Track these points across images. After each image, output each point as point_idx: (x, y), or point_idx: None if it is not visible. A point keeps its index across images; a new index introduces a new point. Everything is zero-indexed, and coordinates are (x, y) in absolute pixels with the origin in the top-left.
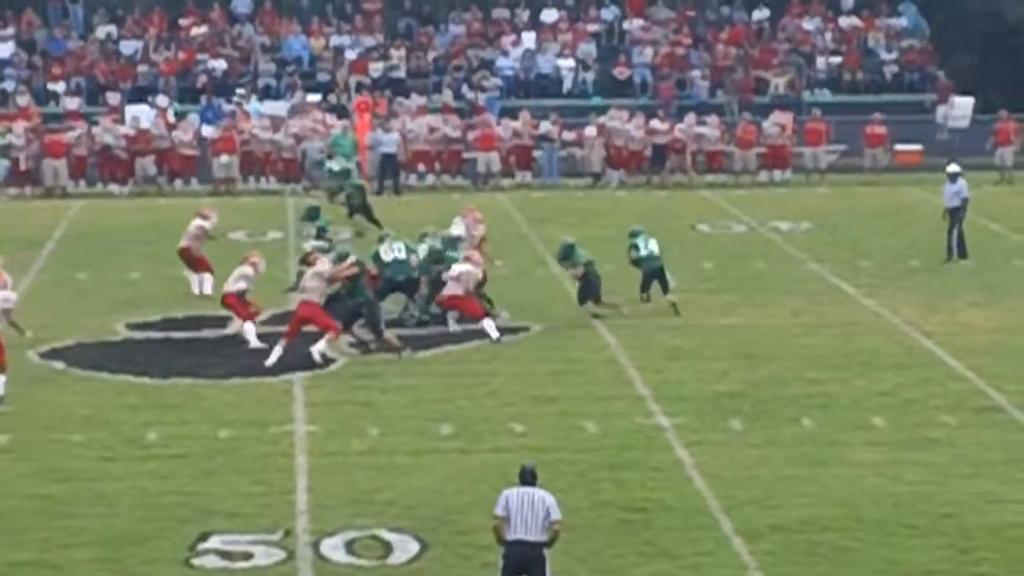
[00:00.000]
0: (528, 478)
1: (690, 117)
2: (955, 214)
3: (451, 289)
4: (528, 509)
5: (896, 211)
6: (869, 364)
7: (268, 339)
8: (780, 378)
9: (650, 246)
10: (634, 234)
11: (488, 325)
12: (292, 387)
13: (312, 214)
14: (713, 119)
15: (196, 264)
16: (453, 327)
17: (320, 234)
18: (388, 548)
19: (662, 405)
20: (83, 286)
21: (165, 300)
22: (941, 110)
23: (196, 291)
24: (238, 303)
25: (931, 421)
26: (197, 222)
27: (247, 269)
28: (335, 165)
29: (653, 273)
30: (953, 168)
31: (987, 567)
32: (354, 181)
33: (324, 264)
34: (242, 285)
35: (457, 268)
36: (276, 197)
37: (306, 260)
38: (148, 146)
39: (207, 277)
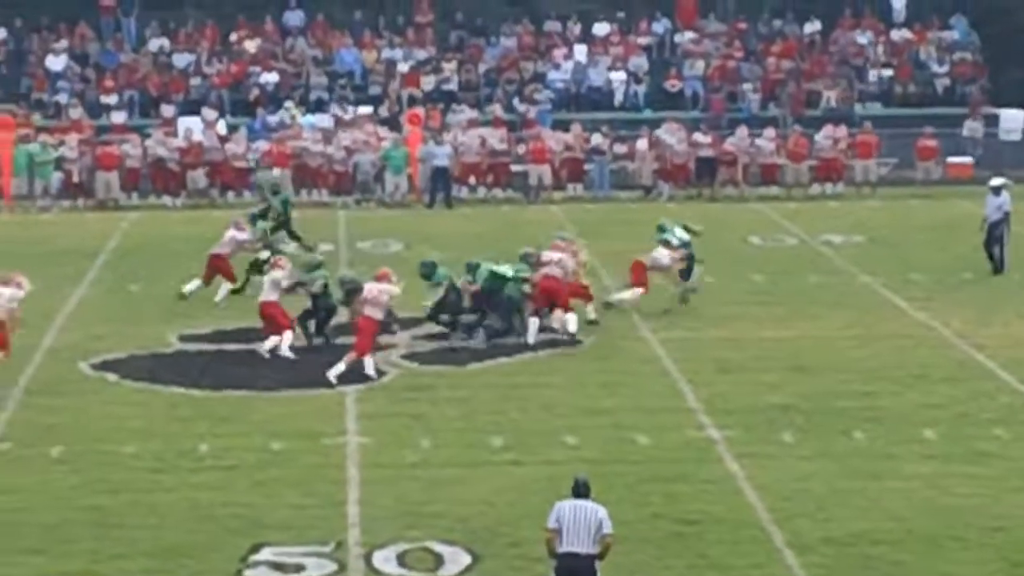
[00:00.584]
0: (581, 490)
1: (742, 130)
2: (996, 227)
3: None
4: (580, 522)
5: (948, 224)
6: (921, 377)
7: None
8: (831, 391)
9: (678, 234)
10: (661, 228)
11: (571, 319)
12: (344, 399)
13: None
14: (769, 131)
15: (223, 272)
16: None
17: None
18: (439, 560)
19: (713, 418)
20: (135, 298)
21: (217, 312)
22: (968, 125)
23: (188, 289)
24: (279, 311)
25: (983, 434)
26: (232, 232)
27: (277, 273)
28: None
29: (692, 259)
30: (996, 181)
31: None
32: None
33: (282, 271)
34: (274, 295)
35: (547, 255)
36: (327, 210)
37: (269, 263)
38: (200, 159)
39: (225, 286)
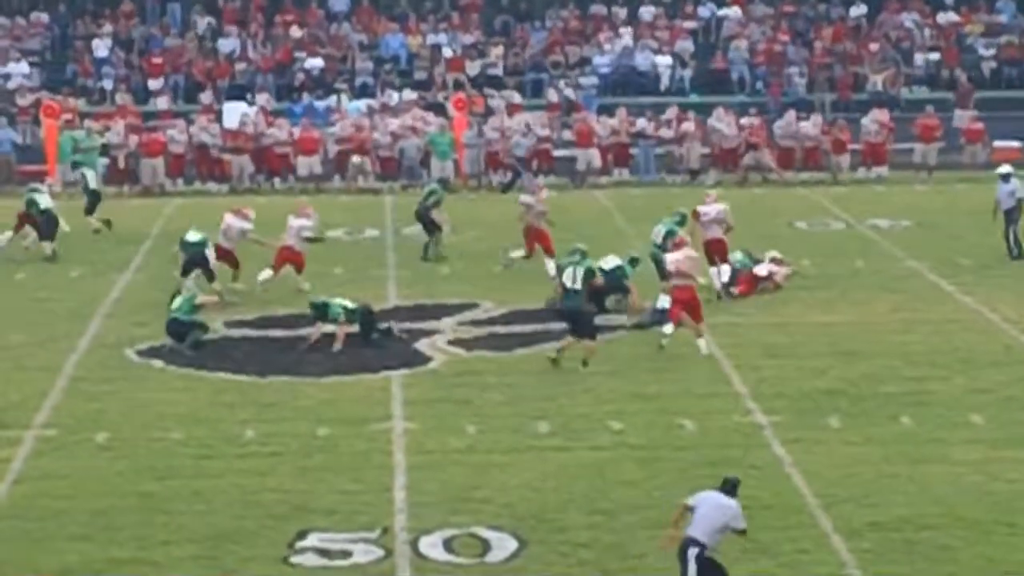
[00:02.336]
0: (728, 488)
1: (790, 114)
2: (1010, 215)
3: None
4: (714, 512)
5: (994, 208)
6: (968, 361)
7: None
8: (878, 376)
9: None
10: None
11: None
12: (390, 385)
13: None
14: (816, 117)
15: (227, 259)
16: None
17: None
18: (486, 546)
19: (760, 403)
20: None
21: (262, 298)
22: (958, 115)
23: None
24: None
25: None
26: (239, 224)
27: (304, 222)
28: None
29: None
30: (1005, 168)
31: None
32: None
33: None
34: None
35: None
36: (374, 195)
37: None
38: (246, 144)
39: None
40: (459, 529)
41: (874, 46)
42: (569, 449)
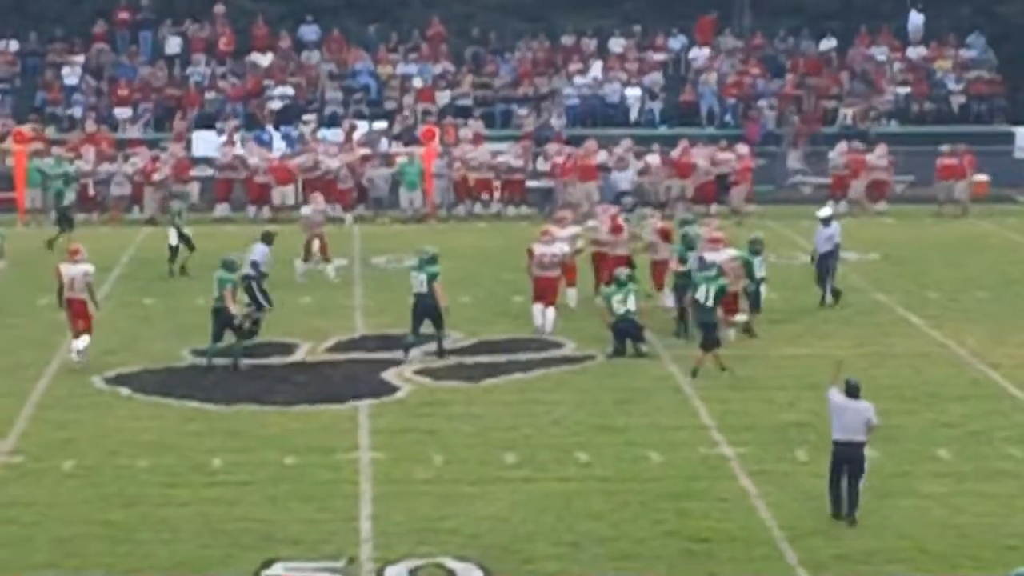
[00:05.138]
0: (852, 391)
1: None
2: (826, 260)
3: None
4: (851, 416)
5: (962, 241)
6: (935, 395)
7: (334, 366)
8: None
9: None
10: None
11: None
12: (357, 414)
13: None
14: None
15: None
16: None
17: None
18: None
19: (726, 435)
20: (149, 312)
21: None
22: (792, 155)
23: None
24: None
25: (997, 453)
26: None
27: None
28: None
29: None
30: (825, 212)
31: None
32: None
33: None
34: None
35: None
36: (341, 225)
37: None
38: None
39: (80, 339)
40: (425, 559)
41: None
42: (536, 480)
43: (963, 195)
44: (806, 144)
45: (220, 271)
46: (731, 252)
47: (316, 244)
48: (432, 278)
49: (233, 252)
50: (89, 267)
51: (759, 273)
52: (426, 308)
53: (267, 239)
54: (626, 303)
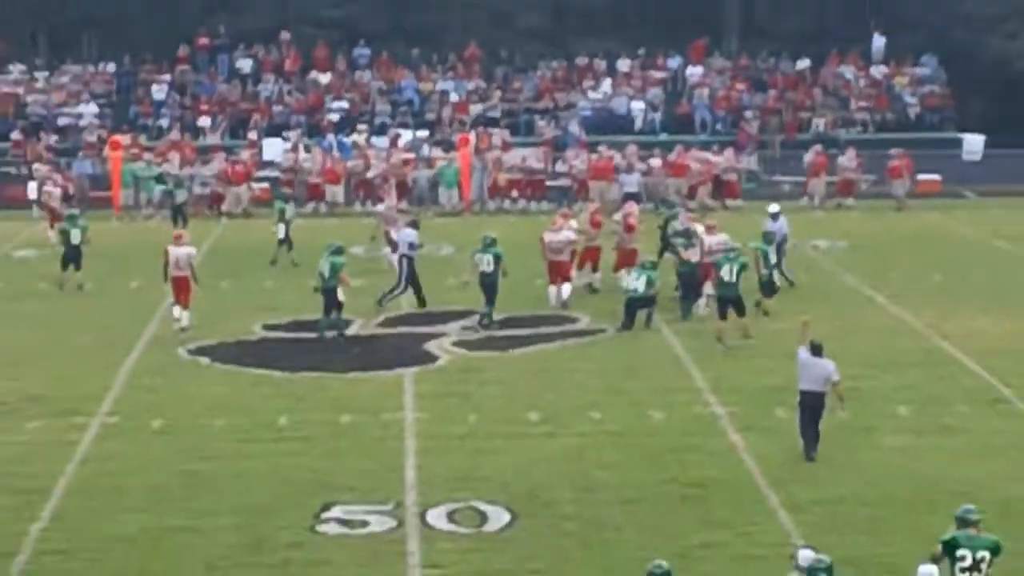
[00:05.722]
0: (816, 351)
1: (729, 152)
2: (778, 249)
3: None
4: (815, 371)
5: (919, 231)
6: (896, 362)
7: (383, 339)
8: None
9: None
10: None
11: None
12: (403, 380)
13: None
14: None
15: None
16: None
17: None
18: (484, 518)
19: (718, 396)
20: (226, 293)
21: (295, 305)
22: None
23: (176, 326)
24: None
25: (949, 411)
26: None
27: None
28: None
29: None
30: (774, 208)
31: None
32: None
33: None
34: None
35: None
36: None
37: None
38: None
39: (183, 312)
40: (460, 503)
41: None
42: (555, 436)
43: (900, 192)
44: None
45: (333, 256)
46: (723, 237)
47: (393, 235)
48: (497, 258)
49: (304, 242)
50: (192, 249)
51: (772, 260)
52: (491, 284)
53: (415, 225)
54: (639, 283)
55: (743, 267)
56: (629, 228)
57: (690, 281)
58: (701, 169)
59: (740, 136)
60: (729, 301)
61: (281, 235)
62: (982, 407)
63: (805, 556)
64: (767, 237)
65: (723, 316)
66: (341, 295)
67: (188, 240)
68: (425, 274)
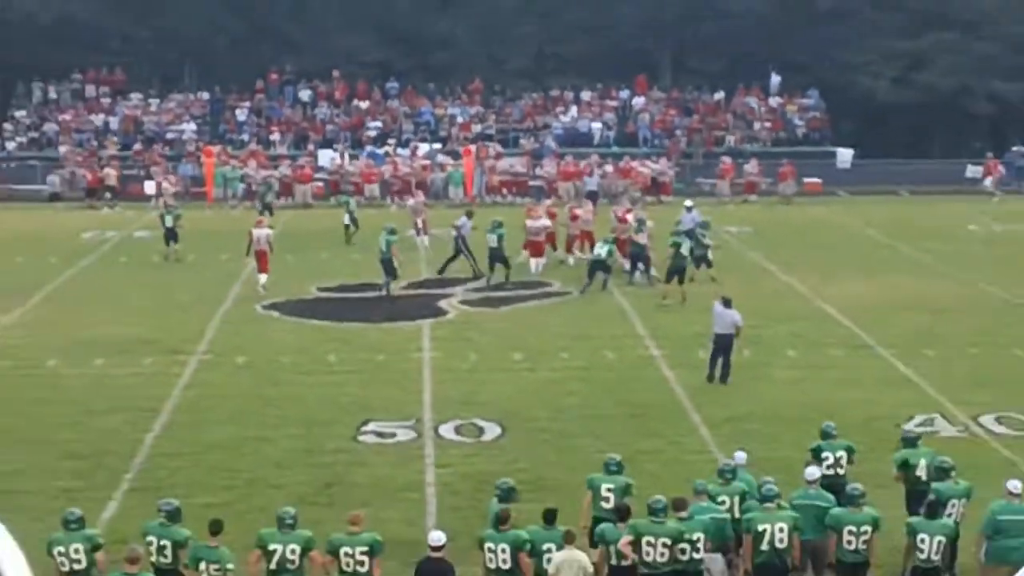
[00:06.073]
0: (726, 303)
1: (663, 160)
2: (689, 235)
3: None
4: (726, 319)
5: (805, 220)
6: (787, 316)
7: (408, 299)
8: None
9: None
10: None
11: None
12: (422, 329)
13: None
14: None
15: (263, 262)
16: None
17: None
18: (481, 431)
19: (655, 341)
20: (290, 264)
21: (343, 273)
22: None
23: (260, 290)
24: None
25: (825, 354)
26: (265, 231)
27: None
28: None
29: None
30: (689, 202)
31: (859, 447)
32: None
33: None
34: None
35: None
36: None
37: None
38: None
39: (263, 276)
40: (464, 420)
41: (727, 117)
42: (535, 371)
43: (787, 191)
44: (688, 158)
45: (387, 234)
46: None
47: (420, 222)
48: (500, 237)
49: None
50: (269, 231)
51: (708, 241)
52: (498, 257)
53: (470, 215)
54: (602, 251)
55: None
56: (551, 216)
57: (637, 257)
58: (646, 173)
59: (671, 148)
60: (679, 271)
61: (347, 221)
62: (850, 350)
63: (740, 457)
64: (703, 224)
65: (668, 281)
66: (395, 263)
67: (267, 224)
68: (438, 250)
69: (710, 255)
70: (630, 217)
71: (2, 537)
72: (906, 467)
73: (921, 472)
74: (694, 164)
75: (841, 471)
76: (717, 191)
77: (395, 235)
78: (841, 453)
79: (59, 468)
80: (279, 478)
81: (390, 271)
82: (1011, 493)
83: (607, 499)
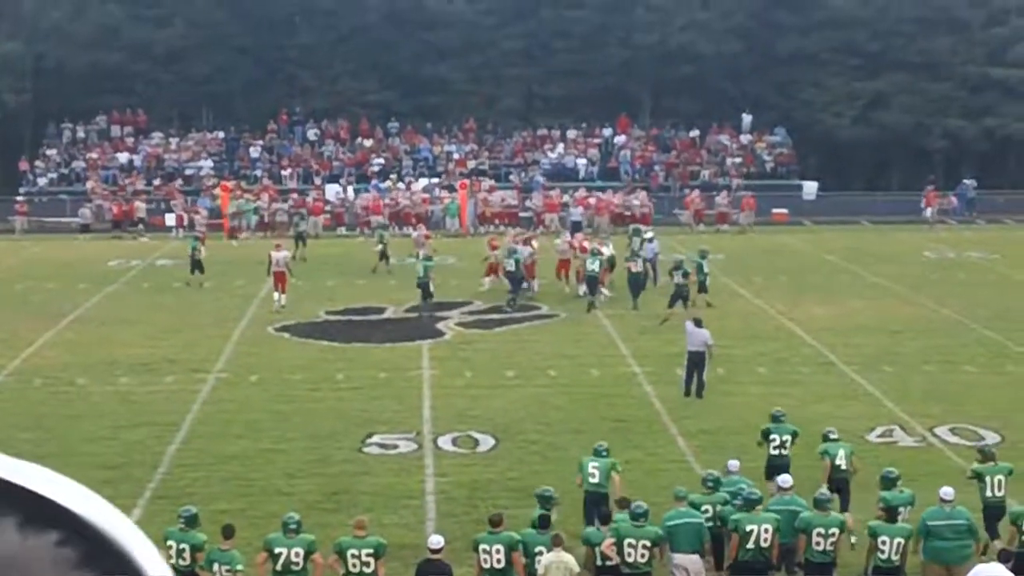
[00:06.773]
0: (699, 323)
1: (643, 194)
2: (651, 262)
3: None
4: (698, 337)
5: (772, 248)
6: (756, 336)
7: (408, 320)
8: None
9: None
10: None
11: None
12: (422, 348)
13: None
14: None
15: (281, 282)
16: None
17: None
18: (477, 442)
19: (636, 360)
20: (301, 289)
21: (348, 297)
22: (633, 197)
23: (276, 306)
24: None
25: (793, 371)
26: (283, 253)
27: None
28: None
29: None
30: (649, 234)
31: (798, 428)
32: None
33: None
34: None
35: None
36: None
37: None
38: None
39: (283, 296)
40: (460, 432)
41: (702, 153)
42: (525, 387)
43: (746, 220)
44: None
45: (424, 261)
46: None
47: (421, 254)
48: (518, 262)
49: (352, 255)
50: (287, 253)
51: (706, 269)
52: (515, 280)
53: (527, 242)
54: (594, 265)
55: (685, 274)
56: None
57: (635, 282)
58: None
59: (651, 182)
60: (682, 297)
61: (379, 249)
62: (815, 367)
63: (733, 465)
64: (702, 253)
65: (671, 306)
66: (431, 287)
67: (284, 248)
68: (438, 275)
69: (707, 282)
70: (587, 244)
71: (135, 533)
72: (827, 454)
73: (840, 462)
74: (670, 197)
75: (786, 452)
76: (683, 220)
77: (432, 260)
78: (787, 436)
79: (89, 478)
80: (289, 487)
81: (427, 293)
82: (943, 500)
83: (593, 475)
